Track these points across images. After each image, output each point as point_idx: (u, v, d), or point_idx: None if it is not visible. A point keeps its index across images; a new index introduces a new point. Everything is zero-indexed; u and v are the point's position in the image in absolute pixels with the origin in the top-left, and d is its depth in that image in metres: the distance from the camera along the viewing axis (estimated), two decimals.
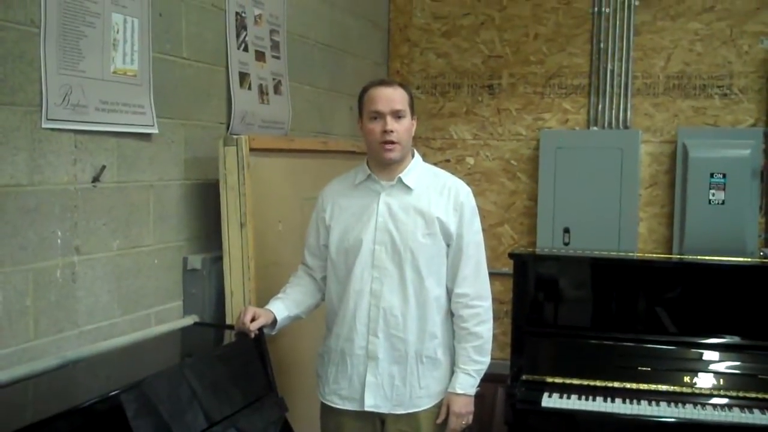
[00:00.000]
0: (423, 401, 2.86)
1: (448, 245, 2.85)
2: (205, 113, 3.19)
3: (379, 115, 2.77)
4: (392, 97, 2.79)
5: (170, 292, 3.00)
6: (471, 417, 2.91)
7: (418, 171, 2.89)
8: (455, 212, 2.84)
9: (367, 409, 2.84)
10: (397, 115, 2.78)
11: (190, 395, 2.45)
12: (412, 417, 2.85)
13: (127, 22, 2.69)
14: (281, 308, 2.92)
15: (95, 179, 2.60)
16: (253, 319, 2.79)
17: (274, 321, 2.88)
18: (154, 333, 2.87)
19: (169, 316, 2.98)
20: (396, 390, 2.83)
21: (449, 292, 2.88)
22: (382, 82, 2.87)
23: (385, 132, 2.76)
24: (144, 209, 2.85)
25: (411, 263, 2.80)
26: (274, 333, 2.93)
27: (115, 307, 2.72)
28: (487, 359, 2.90)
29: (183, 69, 3.04)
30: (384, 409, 2.84)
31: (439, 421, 2.86)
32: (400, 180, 2.84)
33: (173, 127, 2.99)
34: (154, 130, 2.84)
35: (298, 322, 3.00)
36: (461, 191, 2.88)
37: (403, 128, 2.79)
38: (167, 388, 2.39)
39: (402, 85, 2.88)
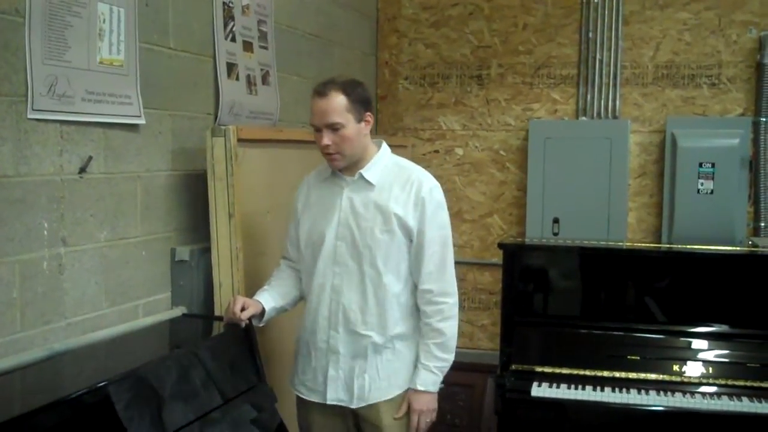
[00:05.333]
0: (383, 392, 2.85)
1: (411, 241, 2.83)
2: (193, 104, 3.17)
3: (316, 128, 2.76)
4: (325, 109, 2.72)
5: (158, 284, 2.98)
6: (434, 414, 2.91)
7: (381, 165, 2.86)
8: (416, 207, 2.80)
9: (329, 402, 2.86)
10: (332, 128, 2.72)
11: (179, 386, 2.45)
12: (373, 408, 2.86)
13: (113, 11, 2.67)
14: (268, 299, 2.93)
15: (82, 170, 2.58)
16: (243, 309, 2.78)
17: (263, 312, 2.88)
18: (142, 325, 2.85)
19: (157, 308, 2.97)
20: (357, 382, 2.84)
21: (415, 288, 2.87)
22: (318, 92, 2.76)
23: (323, 146, 2.76)
24: (131, 200, 2.84)
25: (369, 260, 2.80)
26: (262, 324, 2.93)
27: (102, 298, 2.71)
28: (450, 356, 2.88)
29: (170, 59, 3.02)
30: (347, 403, 2.86)
31: (397, 415, 2.86)
32: (360, 175, 2.83)
33: (160, 117, 2.97)
34: (141, 121, 2.83)
35: (291, 312, 3.01)
36: (424, 186, 2.83)
37: (341, 139, 2.73)
38: (156, 380, 2.38)
39: (341, 88, 2.75)
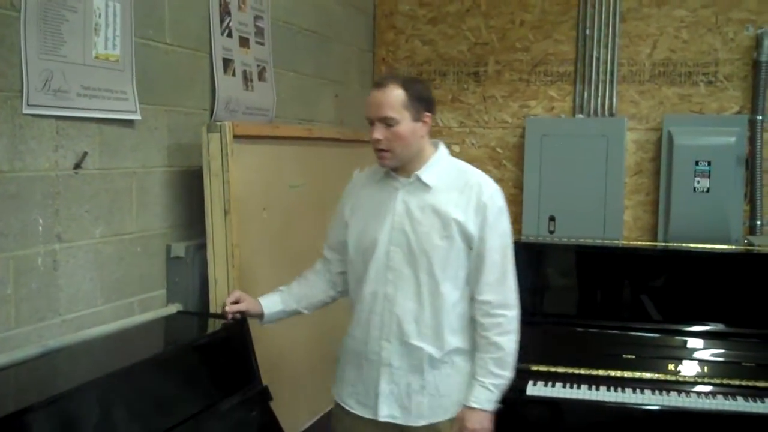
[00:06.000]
0: (443, 410, 2.68)
1: (470, 248, 2.65)
2: (189, 100, 3.15)
3: (370, 121, 2.65)
4: (381, 101, 2.59)
5: (153, 280, 2.97)
6: None
7: (439, 167, 2.70)
8: (477, 213, 2.63)
9: (381, 419, 2.70)
10: (386, 122, 2.59)
11: (173, 383, 2.45)
12: (431, 428, 2.68)
13: (109, 6, 2.66)
14: (276, 302, 2.87)
15: (77, 166, 2.57)
16: (236, 303, 2.76)
17: (262, 314, 2.85)
18: (137, 321, 2.84)
19: (152, 305, 2.96)
20: (415, 399, 2.68)
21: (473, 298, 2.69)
22: (377, 83, 2.66)
23: (374, 140, 2.64)
24: (127, 196, 2.82)
25: (426, 267, 2.63)
26: (262, 324, 2.89)
27: (97, 295, 2.70)
28: (508, 373, 2.68)
29: (166, 55, 3.01)
30: (402, 421, 2.69)
31: None
32: (417, 177, 2.68)
33: (156, 113, 2.96)
34: (137, 117, 2.81)
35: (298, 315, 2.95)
36: (485, 190, 2.66)
37: (394, 136, 2.59)
38: (151, 377, 2.38)
39: (401, 83, 2.62)
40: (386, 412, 2.70)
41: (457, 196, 2.66)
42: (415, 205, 2.67)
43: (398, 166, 2.70)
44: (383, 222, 2.70)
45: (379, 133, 2.61)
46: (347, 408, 2.80)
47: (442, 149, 2.76)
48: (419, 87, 2.67)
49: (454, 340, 2.68)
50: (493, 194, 2.67)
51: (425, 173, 2.68)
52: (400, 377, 2.68)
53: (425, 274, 2.65)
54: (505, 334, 2.66)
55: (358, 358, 2.77)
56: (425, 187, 2.67)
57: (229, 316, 2.81)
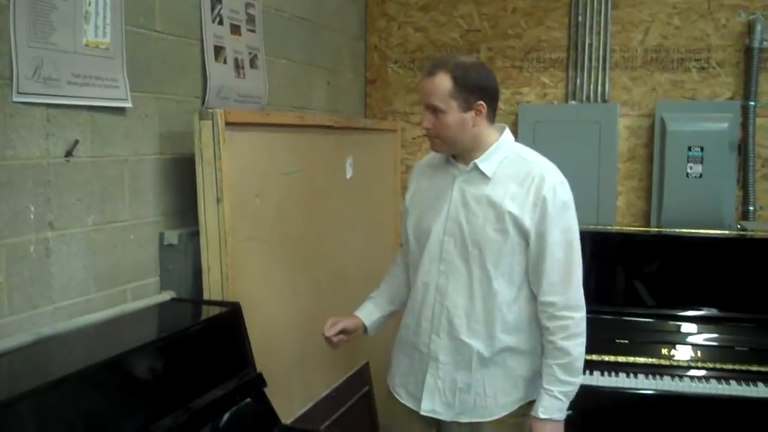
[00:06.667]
0: (489, 410, 2.62)
1: (527, 243, 2.54)
2: (180, 87, 3.15)
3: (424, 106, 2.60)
4: (429, 89, 2.54)
5: (146, 268, 2.97)
6: None
7: (499, 156, 2.60)
8: (534, 207, 2.51)
9: (423, 413, 2.68)
10: (433, 110, 2.54)
11: (166, 371, 2.45)
12: (473, 426, 2.63)
13: None
14: (371, 310, 2.90)
15: (68, 154, 2.56)
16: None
17: (364, 326, 2.87)
18: (130, 309, 2.83)
19: (145, 292, 2.95)
20: (459, 397, 2.62)
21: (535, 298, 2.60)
22: (428, 70, 2.57)
23: (424, 126, 2.60)
24: (119, 184, 2.82)
25: (478, 260, 2.55)
26: (368, 336, 2.93)
27: (90, 283, 2.69)
28: (578, 379, 2.56)
29: (157, 42, 3.00)
30: (444, 416, 2.65)
31: None
32: (475, 165, 2.59)
33: (147, 101, 2.95)
34: (128, 104, 2.80)
35: (279, 296, 2.96)
36: (546, 182, 2.53)
37: (441, 123, 2.53)
38: (144, 364, 2.38)
39: (450, 70, 2.53)
40: (429, 407, 2.67)
41: (516, 187, 2.55)
42: (471, 195, 2.59)
43: (455, 153, 2.64)
44: (440, 211, 2.65)
45: (427, 121, 2.57)
46: (397, 397, 2.79)
47: (506, 136, 2.66)
48: (471, 74, 2.55)
49: (507, 338, 2.60)
50: (555, 187, 2.54)
51: (484, 162, 2.59)
52: (446, 373, 2.64)
53: (478, 268, 2.57)
54: (572, 337, 2.54)
55: (410, 348, 2.75)
56: (483, 176, 2.59)
57: (335, 340, 2.81)
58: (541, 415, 2.54)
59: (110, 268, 2.78)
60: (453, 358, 2.63)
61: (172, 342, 2.55)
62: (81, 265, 2.65)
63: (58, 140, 2.53)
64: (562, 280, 2.54)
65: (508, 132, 2.68)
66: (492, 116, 2.64)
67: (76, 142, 2.58)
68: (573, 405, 2.62)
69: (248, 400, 2.73)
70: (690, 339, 3.81)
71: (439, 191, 2.68)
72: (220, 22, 3.38)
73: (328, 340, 2.82)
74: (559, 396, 2.54)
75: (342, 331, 2.84)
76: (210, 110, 2.93)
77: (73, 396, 2.11)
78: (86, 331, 2.60)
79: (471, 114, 2.55)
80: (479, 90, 2.55)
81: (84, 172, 2.64)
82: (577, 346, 2.55)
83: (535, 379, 2.65)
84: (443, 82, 2.52)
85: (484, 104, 2.56)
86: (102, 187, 2.73)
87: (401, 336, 2.82)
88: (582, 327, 2.57)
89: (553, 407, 2.54)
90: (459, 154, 2.65)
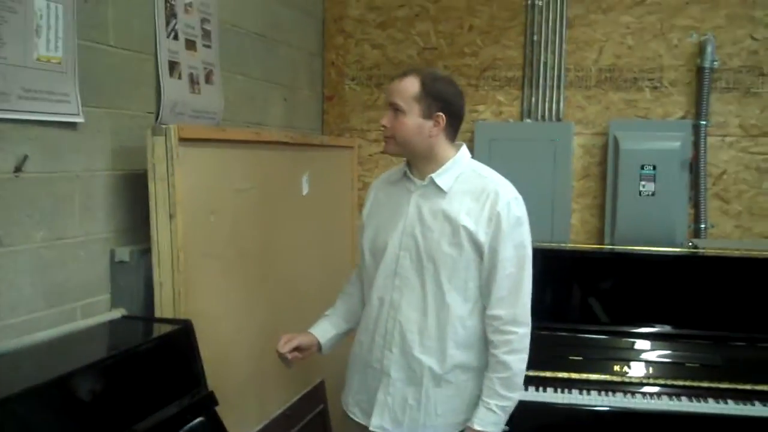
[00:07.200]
0: (436, 430, 2.62)
1: (481, 258, 2.57)
2: (134, 102, 3.12)
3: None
4: (395, 88, 2.59)
5: (97, 285, 2.92)
6: None
7: (456, 171, 2.63)
8: (489, 222, 2.54)
9: (372, 428, 2.68)
10: (394, 108, 2.57)
11: (116, 389, 2.41)
12: None
13: (51, 8, 2.61)
14: (326, 328, 2.87)
15: (17, 169, 2.52)
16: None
17: (319, 344, 2.84)
18: (80, 327, 2.79)
19: (96, 310, 2.91)
20: (409, 414, 2.63)
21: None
22: (402, 73, 2.63)
23: (381, 125, 2.62)
24: (69, 200, 2.78)
25: (432, 274, 2.57)
26: (322, 354, 2.89)
27: (39, 300, 2.65)
28: (515, 395, 2.59)
29: (110, 57, 2.97)
30: None
31: None
32: (431, 180, 2.62)
33: (100, 116, 2.92)
34: (80, 119, 2.77)
35: (234, 313, 2.94)
36: (501, 198, 2.56)
37: (399, 123, 2.57)
38: (93, 383, 2.34)
39: (421, 76, 2.59)
40: (378, 423, 2.67)
41: (471, 202, 2.58)
42: (428, 210, 2.61)
43: (406, 157, 2.66)
44: (395, 226, 2.66)
45: (386, 119, 2.60)
46: (351, 416, 2.79)
47: (463, 152, 2.70)
48: (439, 86, 2.61)
49: (459, 355, 2.60)
50: (510, 202, 2.57)
51: (440, 176, 2.62)
52: (397, 389, 2.64)
53: (432, 283, 2.58)
54: (515, 352, 2.56)
55: (362, 365, 2.75)
56: (439, 191, 2.61)
57: (290, 356, 2.77)
58: (476, 426, 2.56)
59: (60, 285, 2.74)
60: (405, 374, 2.64)
61: (121, 360, 2.51)
62: (29, 281, 2.60)
63: (7, 155, 2.49)
64: (510, 294, 2.56)
65: (465, 149, 2.72)
66: (452, 134, 2.68)
67: (26, 157, 2.54)
68: (510, 421, 2.65)
69: (200, 419, 2.70)
70: (643, 356, 3.84)
71: (396, 206, 2.69)
72: (175, 37, 3.36)
73: (281, 356, 2.80)
74: (496, 410, 2.56)
75: (296, 348, 2.82)
76: (163, 126, 2.91)
77: (18, 416, 2.06)
78: (34, 350, 2.55)
79: (430, 123, 2.58)
80: (443, 102, 2.60)
81: (33, 187, 2.60)
82: (518, 362, 2.57)
83: None
84: (411, 84, 2.57)
85: (444, 117, 2.60)
86: (52, 203, 2.69)
87: (354, 353, 2.82)
88: (525, 343, 2.58)
89: (489, 420, 2.56)
90: (412, 163, 2.68)
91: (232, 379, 3.19)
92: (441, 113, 2.59)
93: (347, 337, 2.99)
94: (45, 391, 2.16)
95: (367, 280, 2.78)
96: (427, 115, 2.57)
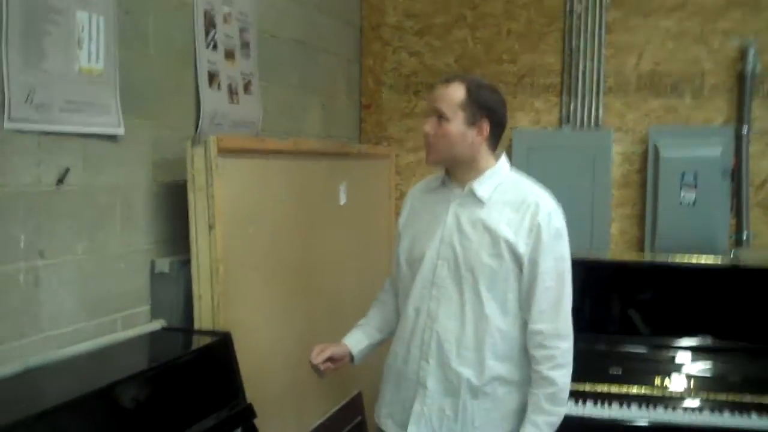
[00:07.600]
0: None
1: (520, 270, 2.52)
2: (173, 113, 3.13)
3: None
4: (440, 95, 2.54)
5: (137, 297, 2.94)
6: None
7: (495, 181, 2.59)
8: (529, 234, 2.50)
9: None
10: (437, 114, 2.53)
11: (156, 401, 2.42)
12: None
13: (93, 19, 2.63)
14: (359, 338, 2.84)
15: (59, 181, 2.54)
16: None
17: (351, 354, 2.82)
18: (120, 338, 2.81)
19: (136, 321, 2.92)
20: (447, 424, 2.58)
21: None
22: (446, 79, 2.58)
23: (423, 132, 2.58)
24: (110, 212, 2.79)
25: (471, 285, 2.53)
26: (354, 365, 2.87)
27: (80, 311, 2.66)
28: (562, 409, 2.54)
29: (150, 68, 2.98)
30: None
31: None
32: (470, 189, 2.58)
33: (140, 127, 2.93)
34: (120, 131, 2.78)
35: (272, 325, 2.93)
36: (541, 210, 2.52)
37: (443, 131, 2.52)
38: (133, 394, 2.35)
39: (466, 83, 2.54)
40: None
41: (511, 213, 2.54)
42: (466, 219, 2.58)
43: (447, 166, 2.63)
44: (433, 234, 2.62)
45: (429, 125, 2.56)
46: (383, 427, 2.75)
47: (503, 162, 2.66)
48: (485, 93, 2.56)
49: (497, 366, 2.56)
50: (550, 214, 2.54)
51: (479, 186, 2.58)
52: (434, 400, 2.60)
53: (470, 293, 2.54)
54: (559, 368, 2.51)
55: (397, 377, 2.71)
56: (478, 200, 2.57)
57: (322, 367, 2.75)
58: None
59: (100, 296, 2.75)
60: (442, 385, 2.59)
61: (161, 372, 2.52)
62: (71, 293, 2.62)
63: (50, 167, 2.51)
64: (551, 308, 2.52)
65: (504, 159, 2.68)
66: (494, 143, 2.64)
67: (67, 169, 2.56)
68: None
69: (238, 430, 2.70)
70: (683, 369, 3.78)
71: (434, 215, 2.66)
72: (215, 48, 3.37)
73: (314, 367, 2.79)
74: (543, 426, 2.51)
75: (329, 359, 2.81)
76: (203, 137, 2.91)
77: (60, 427, 2.08)
78: (75, 361, 2.57)
79: (473, 131, 2.54)
80: (488, 110, 2.55)
81: (75, 199, 2.62)
82: (563, 377, 2.52)
83: (524, 413, 2.60)
84: (457, 91, 2.52)
85: (488, 125, 2.55)
86: (93, 215, 2.71)
87: (389, 364, 2.79)
88: (568, 357, 2.55)
89: None
90: (452, 171, 2.65)
91: (270, 390, 3.19)
92: (485, 121, 2.55)
93: (381, 346, 2.97)
94: (85, 403, 2.18)
95: (403, 290, 2.75)
96: (471, 122, 2.53)
